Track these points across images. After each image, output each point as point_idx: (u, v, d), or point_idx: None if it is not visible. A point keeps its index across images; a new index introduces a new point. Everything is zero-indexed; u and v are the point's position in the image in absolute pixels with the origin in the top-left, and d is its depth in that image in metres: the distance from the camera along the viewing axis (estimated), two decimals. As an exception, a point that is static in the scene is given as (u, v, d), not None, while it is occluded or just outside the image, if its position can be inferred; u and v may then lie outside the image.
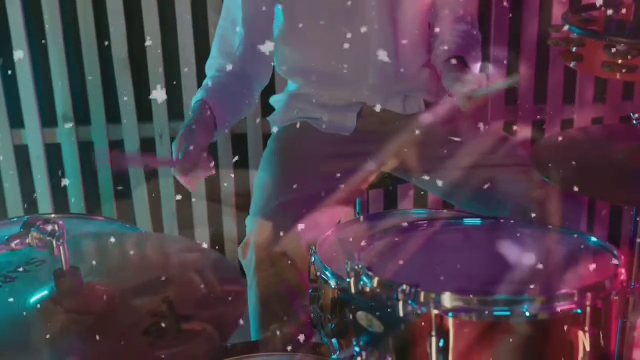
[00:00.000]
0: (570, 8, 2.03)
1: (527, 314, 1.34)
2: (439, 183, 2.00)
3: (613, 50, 1.61)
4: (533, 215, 1.82)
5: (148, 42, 2.70)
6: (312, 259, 1.60)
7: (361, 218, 1.84)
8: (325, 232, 1.70)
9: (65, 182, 2.80)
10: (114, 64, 2.72)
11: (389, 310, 1.37)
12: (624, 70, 1.61)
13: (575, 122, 2.88)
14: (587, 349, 1.36)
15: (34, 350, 1.24)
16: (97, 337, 1.24)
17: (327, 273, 1.53)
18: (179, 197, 2.82)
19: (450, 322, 1.35)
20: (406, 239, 1.62)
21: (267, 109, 2.28)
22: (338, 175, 1.95)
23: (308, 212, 1.84)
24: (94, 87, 2.74)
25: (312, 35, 2.04)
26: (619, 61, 1.61)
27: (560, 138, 1.93)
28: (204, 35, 2.69)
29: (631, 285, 1.47)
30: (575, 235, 1.62)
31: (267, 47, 2.09)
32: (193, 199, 2.87)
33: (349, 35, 2.01)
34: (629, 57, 1.59)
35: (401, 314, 1.35)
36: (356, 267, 1.43)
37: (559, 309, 1.35)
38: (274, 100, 2.22)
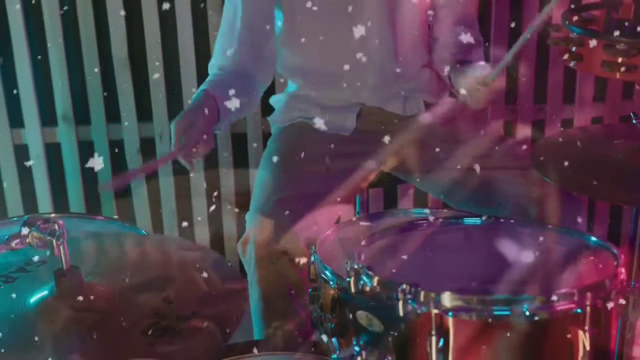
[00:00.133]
0: (570, 8, 2.03)
1: (527, 313, 1.34)
2: (438, 183, 2.01)
3: (613, 49, 1.61)
4: (532, 215, 1.82)
5: (148, 42, 2.70)
6: (312, 258, 1.60)
7: (361, 217, 1.84)
8: (324, 230, 1.70)
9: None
10: (114, 64, 2.72)
11: (389, 309, 1.37)
12: (623, 70, 1.61)
13: (575, 121, 2.88)
14: (587, 348, 1.36)
15: (34, 350, 1.24)
16: (98, 337, 1.24)
17: (327, 273, 1.53)
18: (178, 196, 2.84)
19: (450, 321, 1.35)
20: (406, 239, 1.62)
21: (267, 109, 2.28)
22: (337, 174, 1.95)
23: (307, 209, 1.85)
24: (94, 87, 2.74)
25: (312, 37, 2.04)
26: (619, 60, 1.61)
27: (560, 138, 1.93)
28: (204, 35, 2.69)
29: (631, 284, 1.47)
30: (575, 235, 1.62)
31: (268, 48, 2.10)
32: (193, 198, 2.87)
33: (348, 37, 2.01)
34: (629, 56, 1.59)
35: (401, 313, 1.36)
36: (356, 267, 1.43)
37: (558, 309, 1.35)
38: (274, 100, 2.23)
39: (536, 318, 1.35)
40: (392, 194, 2.91)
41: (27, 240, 1.30)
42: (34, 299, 1.35)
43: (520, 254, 1.51)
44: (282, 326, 1.79)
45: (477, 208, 1.92)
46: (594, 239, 1.58)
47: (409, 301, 1.35)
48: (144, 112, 2.78)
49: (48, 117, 2.78)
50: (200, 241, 2.91)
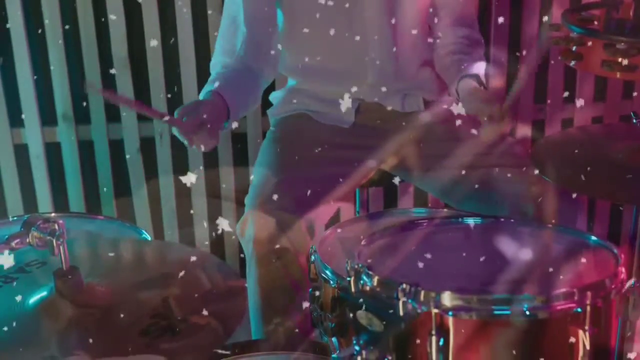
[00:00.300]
0: (570, 7, 2.04)
1: (527, 312, 1.34)
2: (437, 182, 2.01)
3: (613, 49, 1.61)
4: (531, 214, 1.82)
5: (148, 42, 2.70)
6: (312, 258, 1.60)
7: (361, 217, 1.84)
8: (322, 217, 1.70)
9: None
10: (114, 64, 2.72)
11: (389, 309, 1.37)
12: (623, 69, 1.61)
13: (575, 121, 2.88)
14: (587, 347, 1.36)
15: (34, 349, 1.24)
16: (99, 335, 1.24)
17: (327, 272, 1.53)
18: (178, 196, 2.83)
19: (450, 321, 1.35)
20: (406, 238, 1.62)
21: (267, 107, 2.28)
22: (336, 161, 1.96)
23: (305, 191, 1.85)
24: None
25: (311, 35, 2.04)
26: (619, 60, 1.61)
27: (559, 138, 1.93)
28: (204, 35, 2.69)
29: (631, 283, 1.47)
30: (575, 234, 1.62)
31: (271, 46, 2.10)
32: (193, 197, 2.88)
33: (347, 35, 2.02)
34: (629, 56, 1.59)
35: (401, 313, 1.36)
36: (356, 266, 1.43)
37: (559, 308, 1.35)
38: (274, 96, 2.23)
39: (536, 317, 1.35)
40: (392, 193, 2.91)
41: (27, 240, 1.30)
42: (33, 299, 1.35)
43: (520, 253, 1.52)
44: (282, 324, 1.80)
45: (476, 207, 1.92)
46: (594, 238, 1.58)
47: (409, 300, 1.35)
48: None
49: (48, 117, 2.78)
50: (201, 240, 2.91)
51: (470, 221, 1.70)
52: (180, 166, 2.78)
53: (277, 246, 1.81)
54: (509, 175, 1.94)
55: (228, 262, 2.92)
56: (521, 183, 1.90)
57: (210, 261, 1.50)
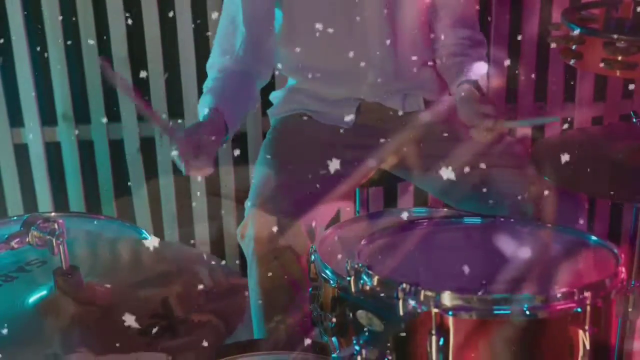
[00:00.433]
0: (570, 6, 2.04)
1: (527, 312, 1.34)
2: (437, 182, 2.00)
3: (612, 47, 1.61)
4: (531, 214, 1.82)
5: (147, 42, 2.70)
6: (312, 257, 1.60)
7: (361, 217, 1.84)
8: (323, 219, 1.70)
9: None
10: (114, 64, 2.72)
11: (389, 308, 1.37)
12: (623, 68, 1.61)
13: (576, 120, 2.88)
14: (587, 347, 1.36)
15: (36, 347, 1.24)
16: (100, 334, 1.25)
17: (327, 272, 1.53)
18: (178, 196, 2.83)
19: (450, 320, 1.35)
20: (406, 238, 1.62)
21: (267, 107, 2.28)
22: (337, 163, 1.95)
23: (306, 194, 1.85)
24: (94, 86, 2.74)
25: (311, 35, 2.04)
26: (619, 58, 1.61)
27: (559, 137, 1.93)
28: (204, 35, 2.69)
29: (631, 283, 1.47)
30: (575, 234, 1.62)
31: (269, 46, 2.10)
32: (193, 195, 2.88)
33: (347, 35, 2.02)
34: (628, 54, 1.59)
35: (401, 312, 1.36)
36: (356, 266, 1.43)
37: (559, 308, 1.35)
38: (274, 96, 2.23)
39: (536, 317, 1.35)
40: (392, 192, 2.91)
41: (27, 240, 1.30)
42: (32, 298, 1.35)
43: (520, 253, 1.51)
44: (283, 322, 1.80)
45: (475, 207, 1.92)
46: (594, 238, 1.58)
47: (409, 300, 1.35)
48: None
49: (48, 116, 2.78)
50: (201, 239, 2.91)
51: (470, 221, 1.70)
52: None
53: (277, 246, 1.81)
54: (508, 175, 1.94)
55: (228, 262, 2.92)
56: (521, 183, 1.90)
57: (210, 261, 1.50)
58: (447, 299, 1.35)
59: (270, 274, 1.83)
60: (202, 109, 1.97)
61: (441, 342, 1.35)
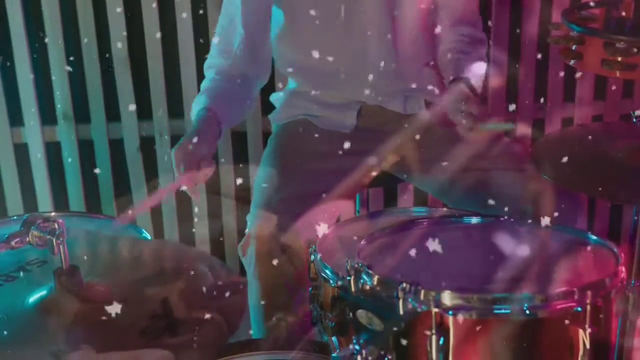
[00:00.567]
0: (570, 6, 2.04)
1: (527, 311, 1.34)
2: (437, 182, 2.01)
3: (612, 48, 1.61)
4: (532, 213, 1.82)
5: (148, 42, 2.70)
6: (312, 257, 1.60)
7: (361, 216, 1.84)
8: (325, 229, 1.70)
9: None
10: (114, 64, 2.72)
11: (389, 308, 1.37)
12: (623, 68, 1.61)
13: (576, 120, 2.88)
14: (587, 346, 1.36)
15: (39, 345, 1.25)
16: (101, 332, 1.25)
17: (327, 271, 1.53)
18: (178, 195, 2.83)
19: (450, 320, 1.35)
20: (406, 237, 1.62)
21: (267, 107, 2.28)
22: (338, 172, 1.95)
23: (308, 209, 1.85)
24: (94, 85, 2.74)
25: (311, 36, 2.04)
26: (619, 59, 1.61)
27: (559, 137, 1.93)
28: (204, 35, 2.69)
29: (631, 283, 1.47)
30: (575, 233, 1.62)
31: (266, 48, 2.10)
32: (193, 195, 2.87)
33: (348, 36, 2.02)
34: (628, 55, 1.59)
35: (401, 312, 1.36)
36: (356, 265, 1.43)
37: (558, 307, 1.35)
38: (274, 98, 2.23)
39: (536, 316, 1.35)
40: (392, 192, 2.91)
41: (27, 239, 1.30)
42: (33, 298, 1.35)
43: (520, 252, 1.51)
44: (284, 319, 1.80)
45: (475, 207, 1.92)
46: (594, 237, 1.58)
47: (409, 300, 1.35)
48: (144, 111, 2.78)
49: (48, 116, 2.78)
50: (201, 238, 2.91)
51: (470, 220, 1.70)
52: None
53: (278, 245, 1.81)
54: (508, 175, 1.94)
55: (228, 262, 2.92)
56: (520, 183, 1.90)
57: (210, 259, 1.50)
58: (447, 298, 1.35)
59: (270, 273, 1.83)
60: (196, 107, 1.98)
61: (441, 342, 1.35)
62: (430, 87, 2.12)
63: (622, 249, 1.50)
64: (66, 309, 1.30)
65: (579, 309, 1.36)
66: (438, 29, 2.10)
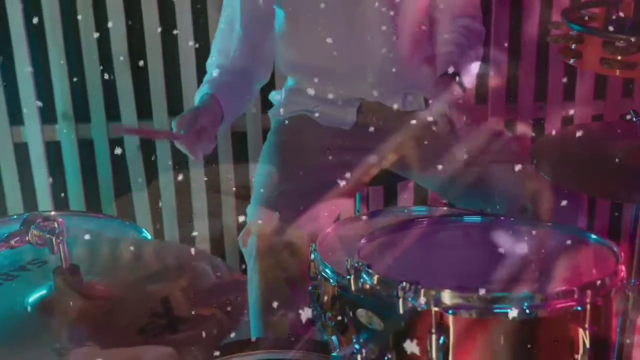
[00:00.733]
0: (571, 5, 2.04)
1: (527, 311, 1.34)
2: (437, 179, 2.01)
3: (612, 47, 1.61)
4: (532, 212, 1.82)
5: (148, 42, 2.70)
6: (312, 256, 1.60)
7: (361, 215, 1.84)
8: (326, 223, 1.70)
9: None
10: (114, 64, 2.72)
11: (389, 307, 1.37)
12: (623, 67, 1.61)
13: (575, 119, 2.88)
14: (587, 346, 1.36)
15: (35, 346, 1.25)
16: (102, 330, 1.25)
17: (327, 270, 1.53)
18: (178, 194, 2.84)
19: (450, 319, 1.35)
20: (406, 236, 1.62)
21: (267, 106, 2.28)
22: (338, 167, 1.96)
23: (309, 202, 1.86)
24: (94, 85, 2.74)
25: (312, 34, 2.04)
26: (619, 58, 1.61)
27: (559, 136, 1.93)
28: (204, 35, 2.69)
29: (631, 282, 1.47)
30: (575, 232, 1.62)
31: (266, 46, 2.10)
32: (193, 195, 2.88)
33: (348, 34, 2.02)
34: (628, 54, 1.59)
35: (401, 311, 1.36)
36: (356, 265, 1.43)
37: (558, 306, 1.35)
38: (274, 96, 2.23)
39: (536, 315, 1.35)
40: (392, 191, 2.91)
41: (27, 238, 1.30)
42: (32, 297, 1.35)
43: (520, 252, 1.51)
44: (282, 319, 1.80)
45: (475, 203, 1.93)
46: (594, 236, 1.58)
47: (409, 299, 1.35)
48: (143, 110, 2.78)
49: (48, 115, 2.78)
50: (200, 235, 2.92)
51: (470, 219, 1.70)
52: (180, 164, 2.78)
53: (279, 242, 1.81)
54: (508, 172, 1.94)
55: (228, 260, 2.92)
56: (520, 181, 1.90)
57: (211, 257, 1.51)
58: (447, 297, 1.35)
59: (271, 268, 1.83)
60: (198, 96, 2.00)
61: (441, 341, 1.35)
62: (429, 84, 2.11)
63: (622, 248, 1.50)
64: (66, 308, 1.30)
65: (579, 308, 1.36)
66: (437, 19, 2.10)
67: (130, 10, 2.68)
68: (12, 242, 1.30)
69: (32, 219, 1.31)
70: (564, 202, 1.81)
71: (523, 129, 2.80)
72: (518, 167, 1.92)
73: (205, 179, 2.84)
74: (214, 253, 2.19)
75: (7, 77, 2.72)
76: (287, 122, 2.16)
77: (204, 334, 1.23)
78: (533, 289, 1.38)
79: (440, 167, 1.98)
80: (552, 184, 1.80)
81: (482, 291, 1.36)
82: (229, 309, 1.30)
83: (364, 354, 1.42)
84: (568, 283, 1.40)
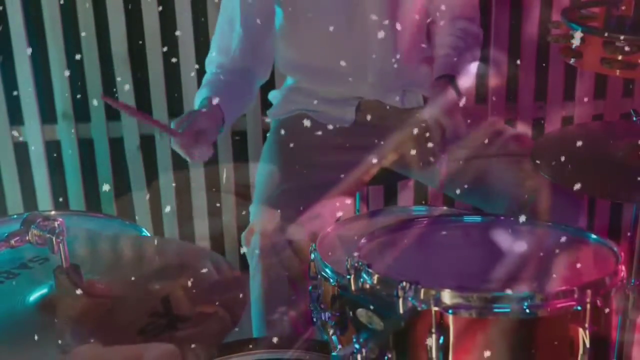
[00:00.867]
0: (571, 5, 2.03)
1: (527, 310, 1.34)
2: (437, 176, 2.01)
3: (612, 46, 1.61)
4: (531, 209, 1.82)
5: (148, 42, 2.70)
6: (312, 256, 1.60)
7: (361, 215, 1.84)
8: (327, 222, 1.70)
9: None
10: (114, 64, 2.72)
11: (389, 307, 1.37)
12: (623, 66, 1.61)
13: (576, 119, 2.88)
14: (587, 345, 1.36)
15: (36, 345, 1.25)
16: (103, 329, 1.25)
17: (327, 270, 1.53)
18: (178, 193, 2.84)
19: (450, 319, 1.35)
20: (406, 236, 1.62)
21: (267, 106, 2.28)
22: (339, 166, 1.96)
23: (310, 201, 1.86)
24: (94, 84, 2.74)
25: (312, 33, 2.04)
26: (619, 57, 1.61)
27: (559, 136, 1.93)
28: (204, 35, 2.69)
29: (631, 282, 1.47)
30: (575, 232, 1.62)
31: (267, 45, 2.10)
32: (193, 194, 2.88)
33: (347, 33, 2.02)
34: (628, 53, 1.59)
35: (401, 310, 1.36)
36: (356, 264, 1.43)
37: (558, 306, 1.35)
38: (273, 96, 2.23)
39: (536, 315, 1.35)
40: (392, 190, 2.91)
41: (27, 238, 1.30)
42: (33, 297, 1.35)
43: (520, 251, 1.51)
44: (284, 319, 1.80)
45: (475, 200, 1.93)
46: (594, 236, 1.58)
47: (409, 298, 1.35)
48: (143, 110, 2.78)
49: (48, 115, 2.78)
50: (201, 235, 2.92)
51: (470, 219, 1.70)
52: (180, 164, 2.78)
53: (281, 240, 1.81)
54: (508, 170, 1.94)
55: (228, 258, 2.92)
56: (520, 179, 1.90)
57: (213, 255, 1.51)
58: (447, 297, 1.35)
59: (274, 267, 1.83)
60: (198, 99, 2.00)
61: (441, 341, 1.35)
62: (427, 82, 2.12)
63: (622, 248, 1.50)
64: (67, 307, 1.30)
65: (579, 307, 1.36)
66: (435, 20, 2.10)
67: (131, 11, 2.68)
68: (12, 241, 1.30)
69: (32, 218, 1.31)
70: (564, 202, 1.82)
71: (523, 128, 2.80)
72: (519, 164, 1.92)
73: (205, 178, 2.84)
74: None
75: (7, 77, 2.72)
76: (286, 121, 2.17)
77: (205, 331, 1.24)
78: (533, 288, 1.38)
79: (440, 164, 1.98)
80: (551, 183, 1.80)
81: (482, 291, 1.36)
82: (230, 306, 1.30)
83: (364, 354, 1.41)
84: (568, 283, 1.40)
